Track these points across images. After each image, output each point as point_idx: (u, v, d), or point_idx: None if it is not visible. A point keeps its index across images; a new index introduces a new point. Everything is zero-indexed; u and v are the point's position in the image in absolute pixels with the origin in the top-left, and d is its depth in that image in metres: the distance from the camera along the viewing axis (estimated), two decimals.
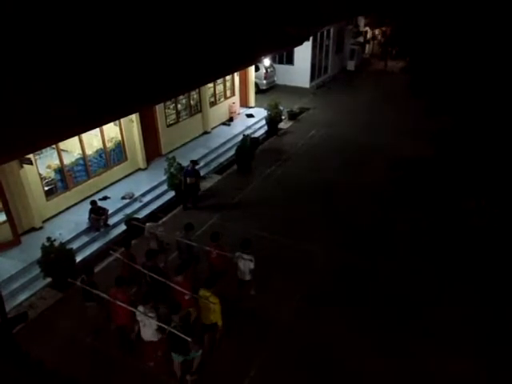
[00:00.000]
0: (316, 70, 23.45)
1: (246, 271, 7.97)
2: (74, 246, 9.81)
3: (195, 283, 7.52)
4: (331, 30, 23.59)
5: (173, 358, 6.76)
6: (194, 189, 11.91)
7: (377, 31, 29.90)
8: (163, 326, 6.41)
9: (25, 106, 7.29)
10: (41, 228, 10.37)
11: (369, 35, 30.19)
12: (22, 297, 8.81)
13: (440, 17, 8.63)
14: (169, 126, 14.37)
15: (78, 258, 9.63)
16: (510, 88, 7.07)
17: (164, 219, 11.56)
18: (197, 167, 12.07)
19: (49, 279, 9.06)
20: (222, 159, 14.92)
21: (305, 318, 8.39)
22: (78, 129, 8.65)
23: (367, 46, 30.37)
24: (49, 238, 8.75)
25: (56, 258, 8.60)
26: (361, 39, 28.88)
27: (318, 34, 22.05)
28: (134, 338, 7.34)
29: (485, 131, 7.55)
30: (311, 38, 19.94)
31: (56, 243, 8.77)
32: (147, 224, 9.04)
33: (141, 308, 6.66)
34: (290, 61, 22.74)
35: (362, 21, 28.20)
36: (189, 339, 6.12)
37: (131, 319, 6.99)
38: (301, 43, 17.02)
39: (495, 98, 7.29)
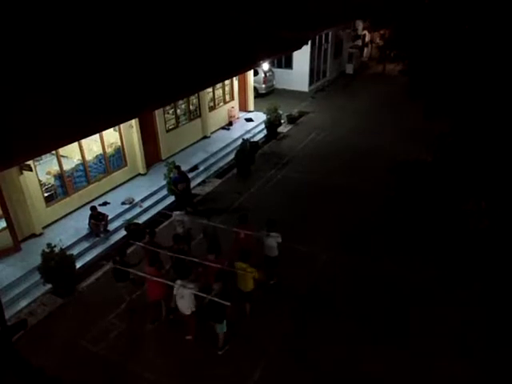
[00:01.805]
0: (315, 73, 23.51)
1: (274, 246, 8.59)
2: (74, 251, 9.79)
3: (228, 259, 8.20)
4: (329, 34, 23.67)
5: (217, 330, 7.42)
6: (187, 193, 11.88)
7: (375, 35, 29.99)
8: (203, 294, 7.09)
9: (24, 111, 7.30)
10: (41, 234, 10.36)
11: (367, 39, 30.29)
12: (23, 303, 8.79)
13: (437, 19, 8.66)
14: (168, 131, 14.40)
15: (78, 264, 9.62)
16: (510, 90, 7.08)
17: (165, 223, 11.57)
18: (197, 171, 12.05)
19: (49, 285, 9.05)
20: (221, 163, 14.93)
21: (305, 318, 8.39)
22: (79, 134, 8.65)
23: (365, 49, 30.45)
24: (49, 245, 8.75)
25: (56, 264, 8.59)
26: (359, 43, 28.97)
27: (317, 38, 22.13)
28: (164, 315, 8.23)
29: (484, 133, 7.56)
30: (310, 42, 19.99)
31: (56, 249, 8.77)
32: (174, 212, 9.92)
33: (179, 281, 7.29)
34: (288, 65, 22.81)
35: (360, 24, 28.30)
36: (228, 304, 6.77)
37: (165, 294, 7.82)
38: (299, 47, 17.07)
39: (494, 100, 7.31)
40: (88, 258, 10.15)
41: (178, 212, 9.86)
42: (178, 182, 11.50)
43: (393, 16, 12.24)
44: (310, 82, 23.11)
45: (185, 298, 7.30)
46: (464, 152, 7.80)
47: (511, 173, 7.15)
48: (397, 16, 11.54)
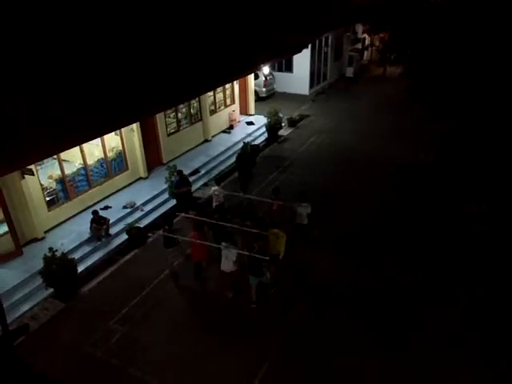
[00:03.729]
0: (315, 77, 23.56)
1: (304, 215, 9.73)
2: (76, 255, 9.80)
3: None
4: (329, 38, 23.75)
5: (250, 281, 8.51)
6: (188, 197, 11.89)
7: (375, 38, 30.07)
8: (245, 252, 8.22)
9: (26, 115, 7.32)
10: (43, 238, 10.37)
11: (367, 42, 30.37)
12: (25, 308, 8.80)
13: (437, 21, 8.69)
14: (169, 134, 14.43)
15: (80, 268, 9.63)
16: (509, 92, 7.09)
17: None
18: (198, 175, 12.09)
19: (51, 290, 9.05)
20: (222, 167, 14.95)
21: (308, 318, 8.42)
22: (80, 139, 8.67)
23: (365, 52, 30.53)
24: (51, 249, 8.75)
25: (58, 268, 8.60)
26: (359, 46, 29.04)
27: (317, 41, 22.20)
28: (204, 275, 9.42)
29: (486, 135, 7.56)
30: (310, 46, 20.06)
31: (58, 253, 8.78)
32: (213, 188, 11.21)
33: (223, 244, 8.33)
34: (289, 68, 22.87)
35: (360, 28, 28.39)
36: (267, 258, 7.97)
37: (207, 255, 9.07)
38: (300, 51, 17.11)
39: (496, 102, 7.31)
40: (90, 261, 10.16)
41: (215, 187, 11.08)
42: (180, 185, 11.54)
43: (392, 19, 12.28)
44: (311, 85, 23.16)
45: (229, 258, 8.33)
46: (465, 154, 7.81)
47: None
48: (396, 19, 11.58)
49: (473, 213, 8.05)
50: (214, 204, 10.83)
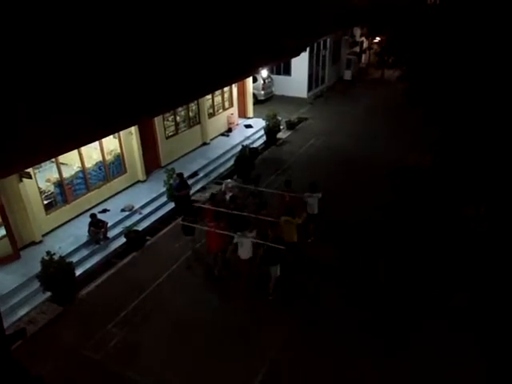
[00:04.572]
0: (313, 80, 23.61)
1: (315, 204, 10.25)
2: (74, 259, 9.77)
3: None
4: (327, 41, 23.82)
5: (271, 272, 8.73)
6: (187, 200, 11.87)
7: (373, 41, 30.19)
8: (261, 241, 8.54)
9: (24, 119, 7.31)
10: (40, 242, 10.34)
11: (365, 45, 30.47)
12: (22, 312, 8.76)
13: (434, 24, 8.72)
14: (168, 137, 14.43)
15: (78, 272, 9.60)
16: (507, 95, 7.11)
17: (169, 227, 11.71)
18: (197, 178, 12.10)
19: (49, 293, 9.01)
20: (221, 169, 14.95)
21: (304, 325, 8.38)
22: (79, 142, 8.65)
23: (363, 55, 30.62)
24: (48, 252, 8.73)
25: (56, 271, 8.57)
26: (357, 49, 29.12)
27: (315, 44, 22.26)
28: (228, 258, 9.75)
29: (482, 138, 7.58)
30: (308, 49, 20.10)
31: (56, 257, 8.75)
32: (225, 180, 11.90)
33: (239, 233, 8.64)
34: (287, 71, 22.92)
35: (357, 31, 28.49)
36: (282, 248, 8.20)
37: (223, 246, 9.39)
38: (298, 54, 17.14)
39: (493, 105, 7.34)
40: (88, 265, 10.13)
41: (228, 180, 11.82)
42: (180, 188, 11.56)
43: (390, 22, 12.32)
44: (309, 88, 23.20)
45: (244, 246, 8.64)
46: (463, 157, 7.82)
47: (510, 177, 7.15)
48: (394, 22, 11.62)
49: (471, 216, 8.06)
50: (228, 195, 11.19)
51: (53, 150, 8.03)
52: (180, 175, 11.72)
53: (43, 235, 10.52)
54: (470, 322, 8.30)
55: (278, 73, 23.07)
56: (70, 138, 7.92)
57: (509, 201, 7.33)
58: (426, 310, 8.66)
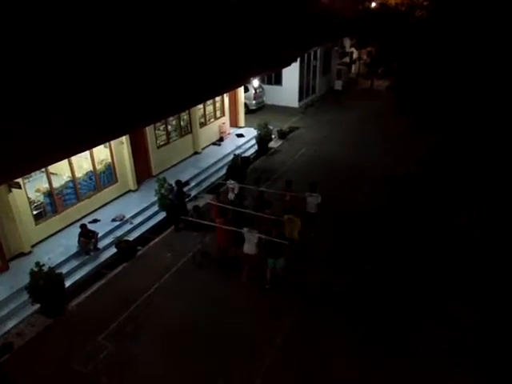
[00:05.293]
0: (304, 89, 23.83)
1: (314, 204, 10.67)
2: (64, 270, 9.63)
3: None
4: (318, 51, 24.12)
5: (269, 264, 9.23)
6: (182, 209, 11.83)
7: (362, 52, 30.64)
8: (265, 237, 8.98)
9: (13, 128, 7.25)
10: (30, 253, 10.19)
11: (355, 55, 30.91)
12: (10, 324, 8.58)
13: (422, 36, 8.89)
14: (159, 147, 14.40)
15: (68, 283, 9.45)
16: (497, 104, 7.24)
17: (160, 236, 11.69)
18: (188, 187, 12.09)
19: (38, 305, 8.84)
20: (213, 179, 14.93)
21: (303, 331, 8.36)
22: (69, 152, 8.60)
23: (353, 66, 31.05)
24: (37, 263, 8.58)
25: (45, 283, 8.43)
26: (347, 59, 29.51)
27: (305, 55, 22.52)
28: (232, 255, 10.15)
29: (472, 147, 7.69)
30: (298, 59, 20.34)
31: (45, 268, 8.61)
32: (228, 181, 12.42)
33: (245, 229, 9.15)
34: (278, 81, 23.10)
35: (347, 42, 28.90)
36: (286, 242, 8.74)
37: (230, 242, 9.94)
38: (288, 64, 17.33)
39: (482, 114, 7.46)
40: (78, 276, 9.98)
41: (231, 181, 12.17)
42: (180, 195, 11.70)
43: (378, 34, 12.54)
44: (300, 98, 23.40)
45: (251, 242, 9.13)
46: (453, 165, 7.93)
47: (502, 185, 7.26)
48: (382, 34, 11.83)
49: (462, 224, 8.15)
50: (230, 195, 11.73)
51: (42, 160, 7.96)
52: (178, 182, 11.76)
53: (32, 246, 10.37)
54: (469, 322, 8.35)
55: (270, 83, 23.26)
56: (62, 147, 7.87)
57: (499, 208, 7.42)
58: (418, 321, 8.65)
